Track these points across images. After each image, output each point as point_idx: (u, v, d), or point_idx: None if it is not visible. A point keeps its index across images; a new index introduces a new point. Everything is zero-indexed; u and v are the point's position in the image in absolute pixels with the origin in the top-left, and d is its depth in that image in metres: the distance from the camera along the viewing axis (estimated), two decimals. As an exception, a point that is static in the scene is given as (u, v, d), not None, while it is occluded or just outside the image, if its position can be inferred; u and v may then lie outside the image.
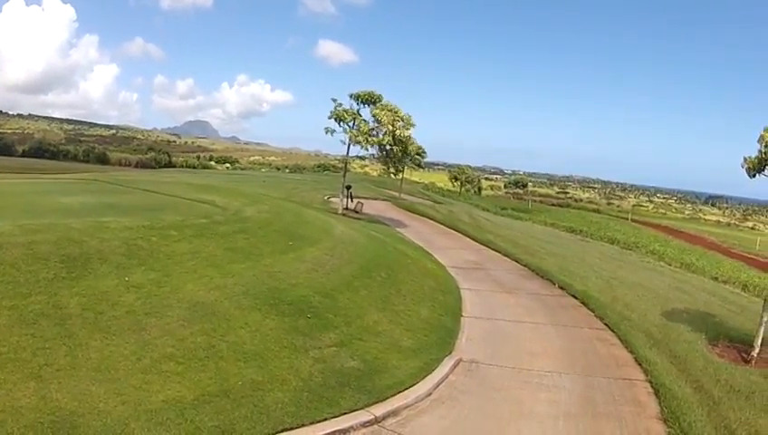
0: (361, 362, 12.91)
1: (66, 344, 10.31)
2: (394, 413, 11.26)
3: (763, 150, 14.79)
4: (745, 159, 15.29)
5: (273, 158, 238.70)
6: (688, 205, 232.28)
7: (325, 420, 10.26)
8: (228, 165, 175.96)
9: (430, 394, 12.45)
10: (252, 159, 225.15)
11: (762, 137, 14.74)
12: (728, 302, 24.58)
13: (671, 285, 27.69)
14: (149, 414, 9.11)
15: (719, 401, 12.78)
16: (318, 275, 17.48)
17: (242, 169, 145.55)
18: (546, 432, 11.39)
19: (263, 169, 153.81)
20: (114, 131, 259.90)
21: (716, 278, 33.42)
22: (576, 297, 22.18)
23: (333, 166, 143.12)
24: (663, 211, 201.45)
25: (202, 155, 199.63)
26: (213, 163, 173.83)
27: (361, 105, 37.42)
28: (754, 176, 15.23)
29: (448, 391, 12.80)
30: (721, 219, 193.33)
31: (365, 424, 10.61)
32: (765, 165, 15.02)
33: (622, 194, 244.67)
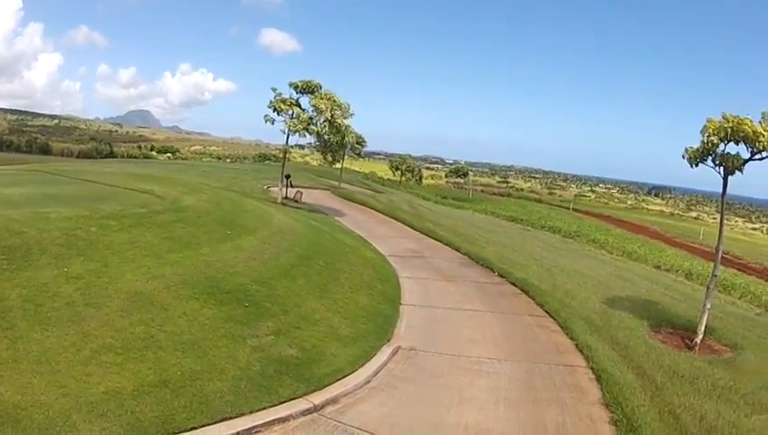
0: (300, 350, 13.04)
1: (7, 337, 10.26)
2: (333, 401, 11.43)
3: (706, 141, 15.20)
4: (686, 150, 15.62)
5: (214, 148, 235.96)
6: (631, 195, 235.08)
7: (264, 408, 10.39)
8: (170, 155, 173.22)
9: (369, 382, 12.64)
10: (193, 148, 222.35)
11: (705, 127, 15.10)
12: (671, 290, 25.19)
13: (612, 272, 28.27)
14: (90, 406, 9.14)
15: (662, 386, 13.07)
16: (256, 263, 17.55)
17: (183, 159, 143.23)
18: (487, 418, 11.52)
19: (204, 159, 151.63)
20: (57, 121, 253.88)
21: (659, 267, 34.16)
22: (516, 285, 22.52)
23: (274, 155, 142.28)
24: (605, 201, 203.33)
25: (143, 145, 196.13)
26: (154, 153, 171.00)
27: (300, 94, 37.29)
28: (697, 165, 15.60)
29: (387, 379, 12.98)
30: (664, 209, 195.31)
31: (304, 412, 10.74)
32: (707, 155, 15.43)
33: (564, 184, 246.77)
